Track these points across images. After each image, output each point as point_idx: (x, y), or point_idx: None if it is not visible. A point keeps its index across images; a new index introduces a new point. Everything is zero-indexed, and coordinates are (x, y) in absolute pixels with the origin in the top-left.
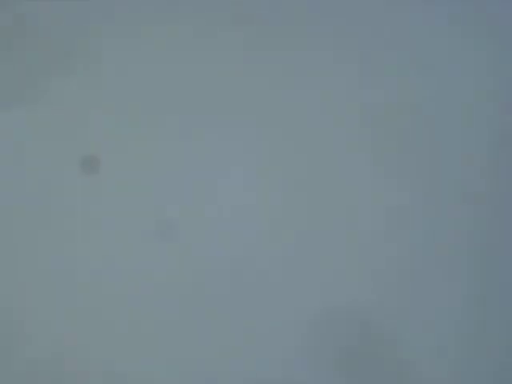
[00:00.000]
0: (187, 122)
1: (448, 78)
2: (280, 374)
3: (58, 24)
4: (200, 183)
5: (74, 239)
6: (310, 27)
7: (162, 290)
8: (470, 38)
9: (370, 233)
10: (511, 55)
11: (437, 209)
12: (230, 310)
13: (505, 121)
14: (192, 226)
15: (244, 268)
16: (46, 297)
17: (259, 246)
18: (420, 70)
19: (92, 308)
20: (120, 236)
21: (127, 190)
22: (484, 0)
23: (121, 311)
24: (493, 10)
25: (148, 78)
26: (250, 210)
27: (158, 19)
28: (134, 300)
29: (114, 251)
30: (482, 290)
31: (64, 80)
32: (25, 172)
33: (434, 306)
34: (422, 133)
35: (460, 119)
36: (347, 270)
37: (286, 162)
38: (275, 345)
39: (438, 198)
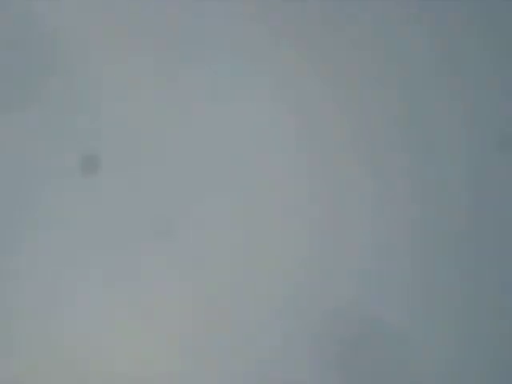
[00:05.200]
0: (187, 123)
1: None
2: (280, 374)
3: (58, 24)
4: (201, 184)
5: (74, 240)
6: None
7: (163, 291)
8: (469, 37)
9: (370, 233)
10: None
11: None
12: (229, 310)
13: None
14: (193, 227)
15: (244, 268)
16: (45, 298)
17: (259, 247)
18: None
19: (91, 308)
20: (120, 237)
21: (127, 191)
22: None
23: (120, 312)
24: (493, 10)
25: (147, 79)
26: (250, 211)
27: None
28: (134, 301)
29: (113, 251)
30: (481, 287)
31: (63, 80)
32: (24, 172)
33: (434, 305)
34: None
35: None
36: (347, 269)
37: (286, 163)
38: (275, 345)
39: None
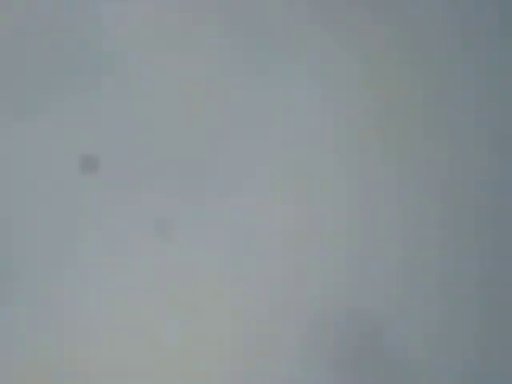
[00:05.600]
0: (187, 124)
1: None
2: (280, 374)
3: (58, 24)
4: (201, 184)
5: (74, 240)
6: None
7: (163, 291)
8: (469, 37)
9: (371, 234)
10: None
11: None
12: (229, 310)
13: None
14: (192, 226)
15: (244, 268)
16: (44, 298)
17: (259, 246)
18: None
19: (91, 308)
20: (120, 237)
21: (127, 191)
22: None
23: (121, 312)
24: (492, 9)
25: (147, 78)
26: (250, 211)
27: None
28: (134, 301)
29: (113, 252)
30: (483, 291)
31: (63, 80)
32: (24, 172)
33: (434, 306)
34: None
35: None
36: (348, 270)
37: (289, 164)
38: (275, 345)
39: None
